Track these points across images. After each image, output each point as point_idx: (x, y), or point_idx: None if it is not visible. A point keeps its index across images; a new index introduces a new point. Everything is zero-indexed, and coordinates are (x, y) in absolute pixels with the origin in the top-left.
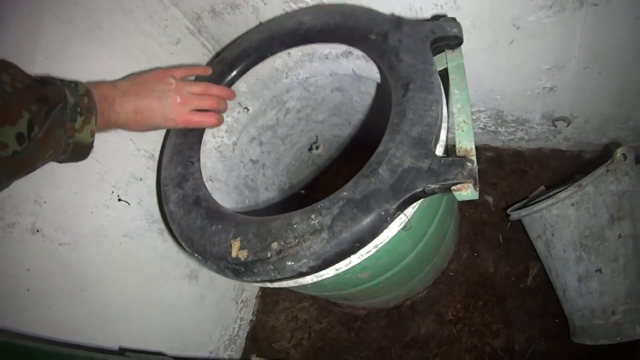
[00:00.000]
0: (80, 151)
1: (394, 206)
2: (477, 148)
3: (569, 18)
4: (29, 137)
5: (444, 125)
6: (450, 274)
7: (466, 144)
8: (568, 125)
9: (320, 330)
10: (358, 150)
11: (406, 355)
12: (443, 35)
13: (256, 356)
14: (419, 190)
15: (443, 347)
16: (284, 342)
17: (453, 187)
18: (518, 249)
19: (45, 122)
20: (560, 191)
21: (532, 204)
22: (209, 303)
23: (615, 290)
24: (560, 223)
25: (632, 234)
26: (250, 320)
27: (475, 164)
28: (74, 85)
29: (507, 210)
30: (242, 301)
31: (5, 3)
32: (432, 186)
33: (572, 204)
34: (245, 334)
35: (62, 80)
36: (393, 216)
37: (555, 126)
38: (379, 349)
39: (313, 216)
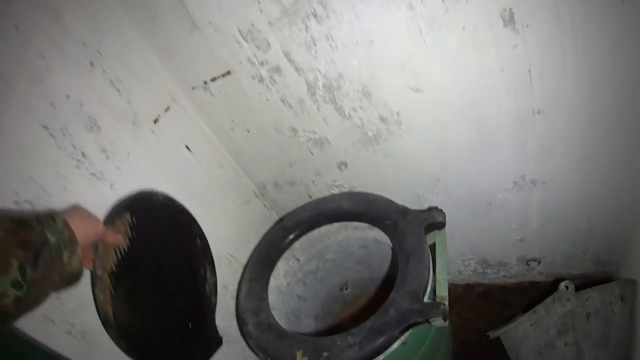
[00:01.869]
0: (73, 279)
1: (397, 332)
2: (469, 285)
3: (526, 194)
4: (25, 281)
5: (430, 282)
6: None
7: (442, 292)
8: (539, 264)
9: None
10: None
11: None
12: (433, 222)
13: None
14: (412, 322)
15: None
16: None
17: (431, 320)
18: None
19: (37, 265)
20: (522, 316)
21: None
22: None
23: None
24: (523, 338)
25: (574, 341)
26: None
27: (446, 306)
28: (52, 220)
29: (487, 332)
30: None
31: None
32: (420, 319)
33: (531, 324)
34: None
35: (39, 218)
36: (397, 338)
37: (529, 265)
38: None
39: (349, 337)
